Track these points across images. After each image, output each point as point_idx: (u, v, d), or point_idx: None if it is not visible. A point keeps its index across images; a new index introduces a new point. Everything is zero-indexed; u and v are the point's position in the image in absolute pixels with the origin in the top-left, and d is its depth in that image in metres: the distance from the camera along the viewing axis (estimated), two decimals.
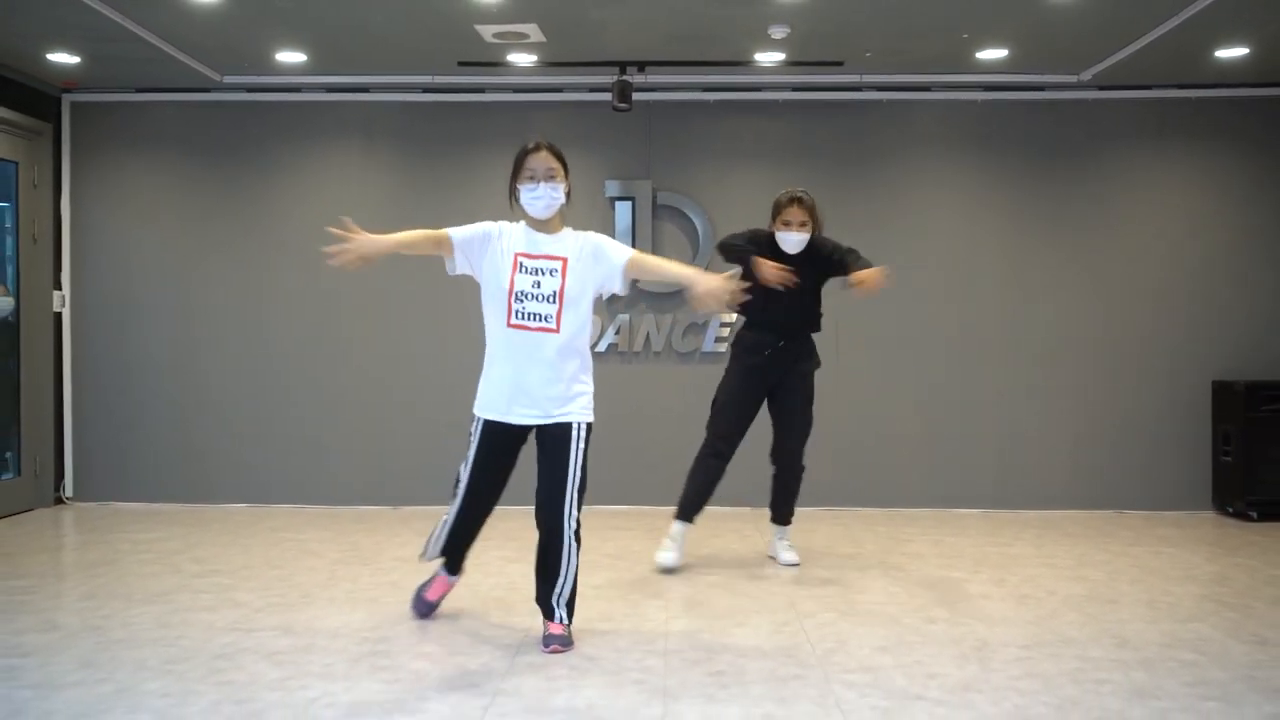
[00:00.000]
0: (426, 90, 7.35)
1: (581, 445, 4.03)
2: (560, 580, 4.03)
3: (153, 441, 7.47)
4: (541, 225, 4.07)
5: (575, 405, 4.03)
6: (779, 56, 6.68)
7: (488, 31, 6.16)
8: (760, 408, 5.50)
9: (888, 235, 7.33)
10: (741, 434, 5.43)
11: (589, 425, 4.06)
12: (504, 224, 4.10)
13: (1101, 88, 7.24)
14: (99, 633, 4.20)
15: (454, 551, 4.42)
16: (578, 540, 4.02)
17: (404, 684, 3.62)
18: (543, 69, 6.96)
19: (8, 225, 7.19)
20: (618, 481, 7.26)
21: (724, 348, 7.21)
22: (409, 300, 7.41)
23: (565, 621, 4.04)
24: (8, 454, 7.19)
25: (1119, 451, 7.29)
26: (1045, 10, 5.79)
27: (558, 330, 3.96)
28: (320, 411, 7.44)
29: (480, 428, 4.11)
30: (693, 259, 7.31)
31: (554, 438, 4.01)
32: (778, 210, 5.34)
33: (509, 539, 5.92)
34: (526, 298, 3.94)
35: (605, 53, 6.63)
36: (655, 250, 7.34)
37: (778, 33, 6.11)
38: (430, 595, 4.49)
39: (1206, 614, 4.56)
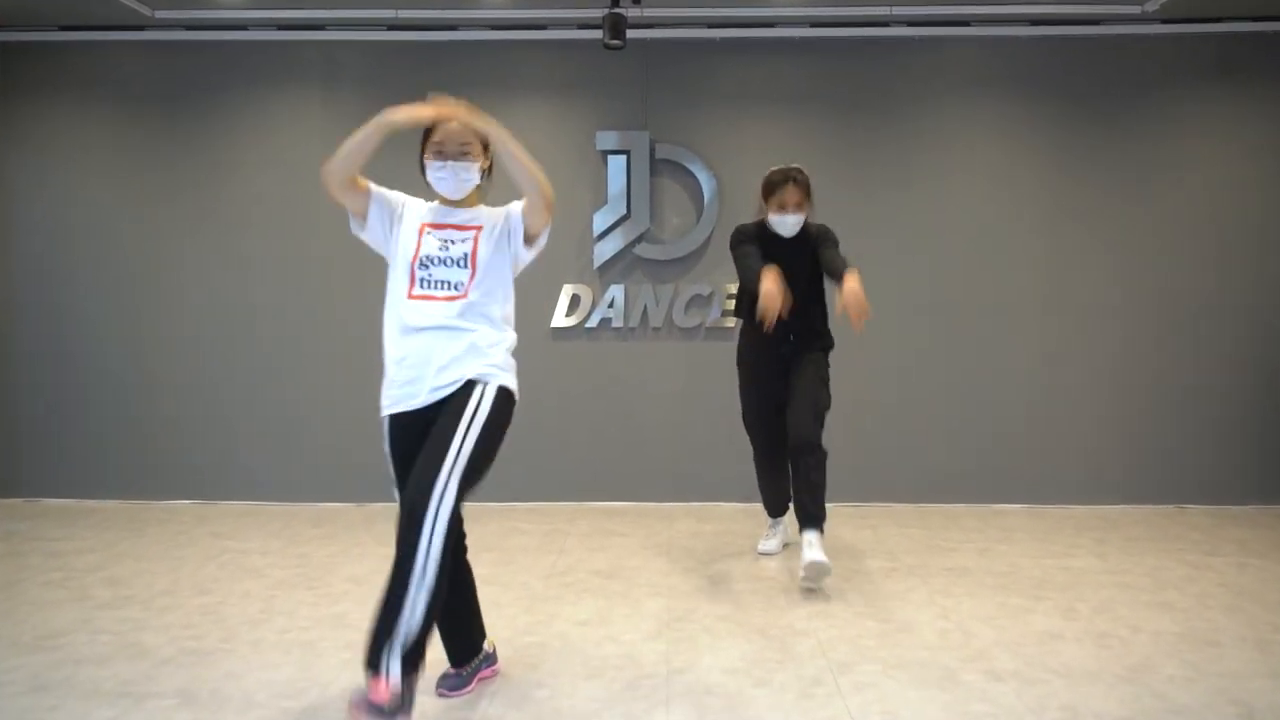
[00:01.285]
0: (391, 27, 6.41)
1: (484, 409, 3.08)
2: (404, 611, 2.81)
3: (88, 429, 6.59)
4: (453, 203, 3.35)
5: (481, 364, 3.16)
6: None
7: None
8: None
9: (918, 193, 6.42)
10: (783, 435, 4.81)
11: (502, 391, 3.16)
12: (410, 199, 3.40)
13: (1166, 20, 6.28)
14: None
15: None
16: (444, 542, 2.87)
17: None
18: (524, 1, 6.01)
19: None
20: (611, 476, 6.41)
21: (731, 323, 6.31)
22: (380, 267, 6.49)
23: (394, 676, 2.77)
24: None
25: (1180, 437, 6.40)
26: None
27: (467, 296, 3.17)
28: (278, 395, 6.55)
29: (387, 429, 3.26)
30: (696, 221, 6.41)
31: (451, 403, 3.11)
32: (770, 190, 4.76)
33: (485, 548, 5.06)
34: (433, 263, 3.20)
35: None
36: (653, 212, 6.43)
37: None
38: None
39: None
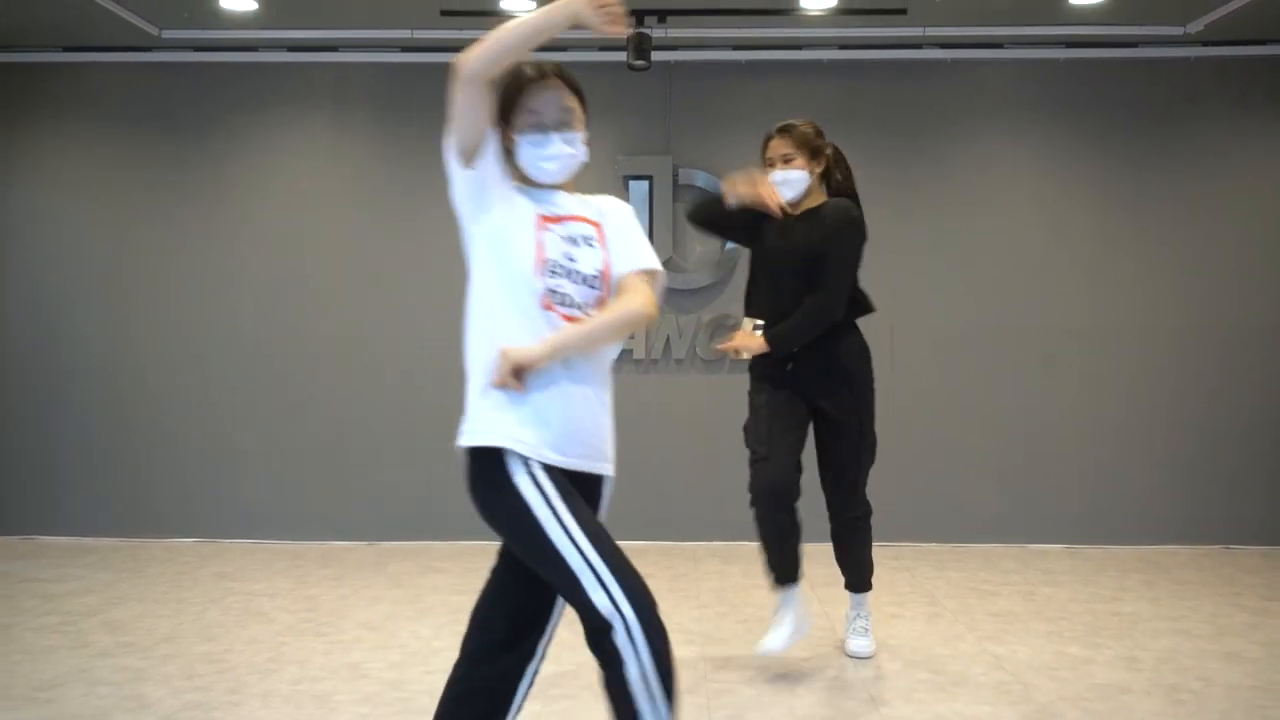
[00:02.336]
0: (405, 49, 6.21)
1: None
2: None
3: (87, 464, 6.33)
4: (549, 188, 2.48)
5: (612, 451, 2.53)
6: (828, 4, 5.54)
7: None
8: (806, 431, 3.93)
9: (952, 219, 6.21)
10: (790, 473, 3.79)
11: None
12: None
13: (1207, 43, 6.08)
14: None
15: None
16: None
17: None
18: None
19: None
20: (634, 514, 6.12)
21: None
22: (389, 296, 6.28)
23: None
24: None
25: (1228, 474, 6.14)
26: None
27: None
28: (284, 430, 6.29)
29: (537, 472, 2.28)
30: (721, 248, 6.18)
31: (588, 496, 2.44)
32: (761, 152, 3.93)
33: None
34: (560, 273, 2.36)
35: None
36: (676, 239, 6.21)
37: None
38: None
39: None
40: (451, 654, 2.43)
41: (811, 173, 3.87)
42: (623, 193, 6.17)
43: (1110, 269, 6.19)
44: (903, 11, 5.64)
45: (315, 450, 6.28)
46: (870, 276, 4.01)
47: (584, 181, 6.01)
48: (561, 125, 2.42)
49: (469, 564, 5.53)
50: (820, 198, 3.94)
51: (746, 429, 3.96)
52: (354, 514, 6.23)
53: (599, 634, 2.16)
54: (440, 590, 5.10)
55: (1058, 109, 6.22)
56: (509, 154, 2.43)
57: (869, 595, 4.15)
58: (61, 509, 6.34)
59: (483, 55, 2.25)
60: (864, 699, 3.60)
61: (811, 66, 6.25)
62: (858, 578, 4.09)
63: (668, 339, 6.21)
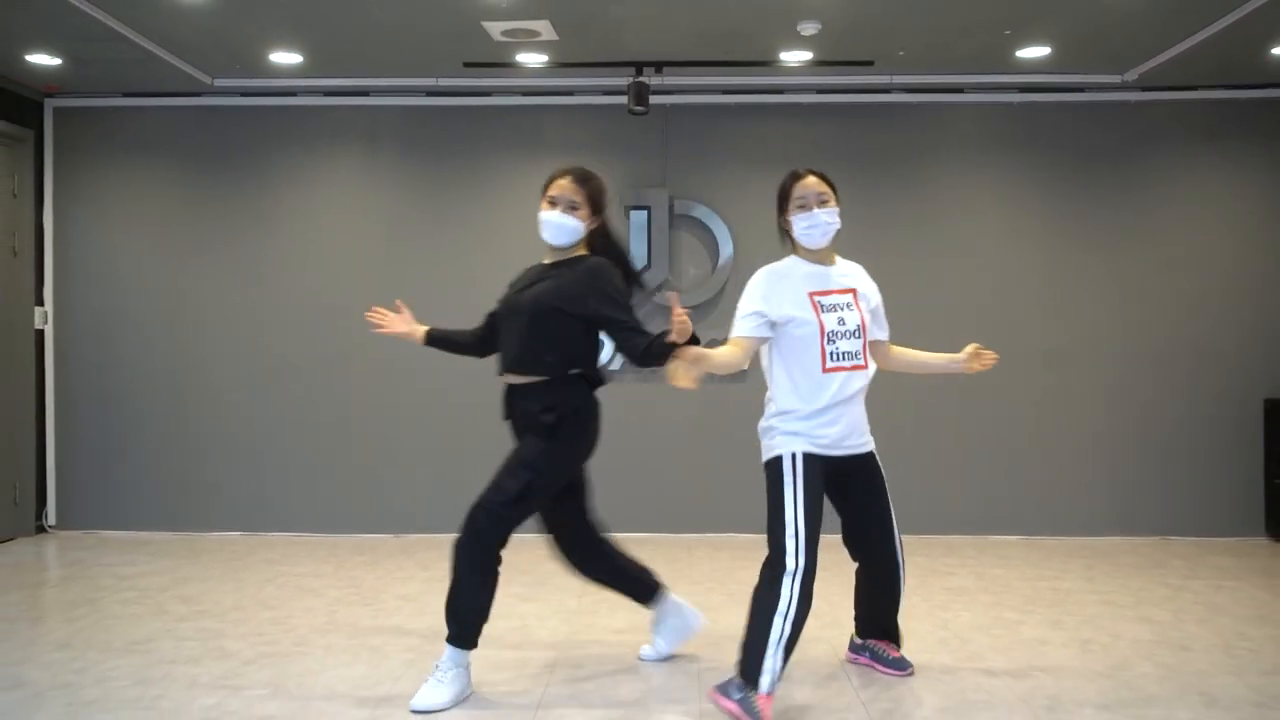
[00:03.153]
0: (430, 94, 6.95)
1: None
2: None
3: (141, 466, 7.05)
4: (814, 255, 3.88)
5: None
6: (806, 56, 6.28)
7: (496, 29, 5.75)
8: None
9: (919, 245, 6.93)
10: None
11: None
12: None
13: (1146, 88, 6.82)
14: (70, 691, 3.78)
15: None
16: None
17: None
18: (553, 70, 6.55)
19: None
20: (633, 509, 6.84)
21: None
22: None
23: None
24: None
25: (1166, 475, 6.86)
26: (1093, 6, 5.39)
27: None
28: (319, 434, 7.02)
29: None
30: (712, 271, 6.91)
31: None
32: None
33: (520, 572, 5.51)
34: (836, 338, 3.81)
35: (621, 52, 6.22)
36: (672, 263, 6.94)
37: (808, 29, 5.70)
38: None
39: None
40: None
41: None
42: (624, 222, 6.90)
43: (1059, 293, 6.90)
44: (870, 63, 6.39)
45: (349, 454, 6.99)
46: None
47: None
48: (820, 202, 3.85)
49: None
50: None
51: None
52: (384, 510, 6.94)
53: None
54: None
55: (1012, 147, 6.96)
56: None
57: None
58: (120, 507, 7.04)
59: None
60: (826, 648, 4.33)
61: (792, 109, 6.99)
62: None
63: None
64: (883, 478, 4.00)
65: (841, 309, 3.77)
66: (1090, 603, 5.12)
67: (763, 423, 3.81)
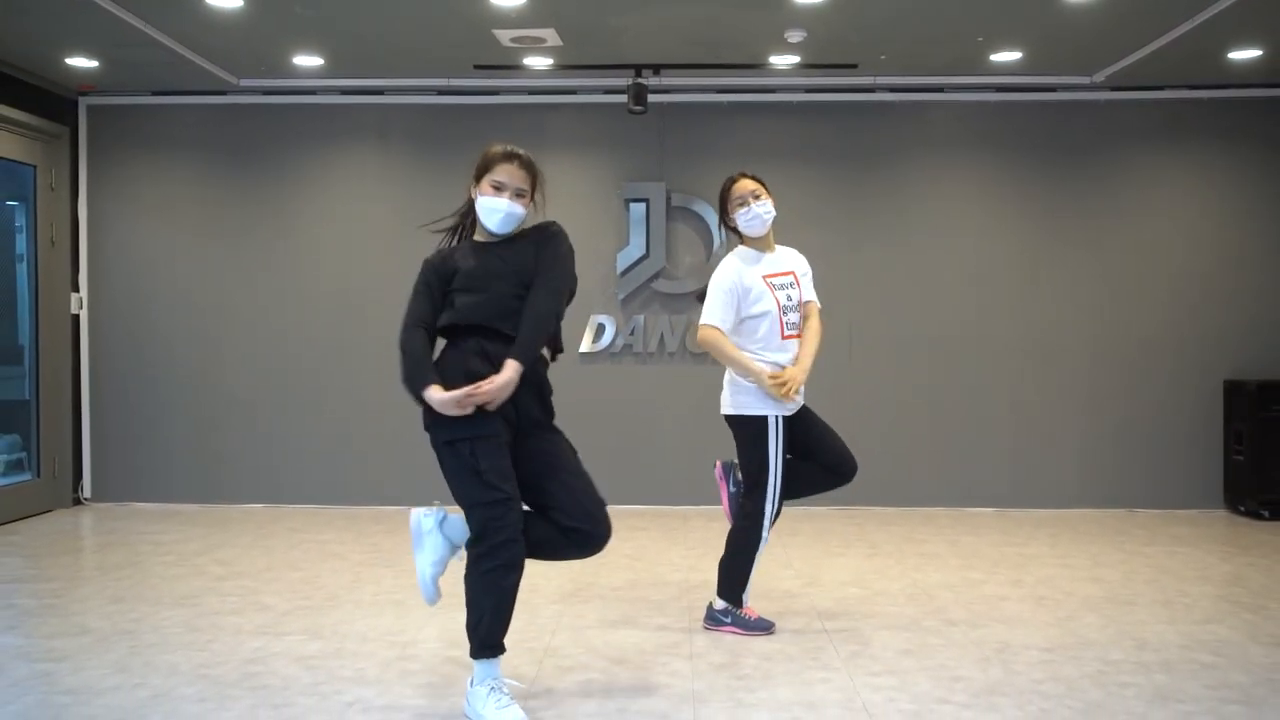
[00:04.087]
0: (441, 93, 7.38)
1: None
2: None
3: (170, 442, 7.52)
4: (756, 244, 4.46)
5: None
6: (794, 60, 6.71)
7: (505, 36, 6.19)
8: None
9: (899, 235, 7.37)
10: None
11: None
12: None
13: (1114, 89, 7.26)
14: (130, 636, 4.25)
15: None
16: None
17: (436, 688, 3.68)
18: (558, 72, 6.99)
19: (24, 227, 7.23)
20: (632, 482, 7.30)
21: None
22: None
23: None
24: (25, 454, 7.25)
25: (1131, 451, 7.33)
26: (1061, 12, 5.82)
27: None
28: (338, 411, 7.49)
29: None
30: (706, 259, 7.35)
31: None
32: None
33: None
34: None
35: (621, 56, 6.67)
36: (669, 251, 7.38)
37: (794, 37, 6.15)
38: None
39: (1224, 615, 4.60)
40: None
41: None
42: (624, 213, 7.35)
43: (1033, 283, 7.36)
44: (854, 66, 6.83)
45: (362, 430, 7.46)
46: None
47: (593, 204, 7.21)
48: (754, 197, 4.40)
49: None
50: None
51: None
52: (399, 482, 7.41)
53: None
54: None
55: (989, 144, 7.40)
56: None
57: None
58: (150, 480, 7.51)
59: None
60: (805, 603, 4.80)
61: (782, 108, 7.43)
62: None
63: (661, 336, 7.39)
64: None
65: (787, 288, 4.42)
66: (1050, 565, 5.60)
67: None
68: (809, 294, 4.50)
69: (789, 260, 4.51)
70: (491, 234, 3.60)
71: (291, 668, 3.88)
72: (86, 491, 7.54)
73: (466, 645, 3.41)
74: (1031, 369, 7.37)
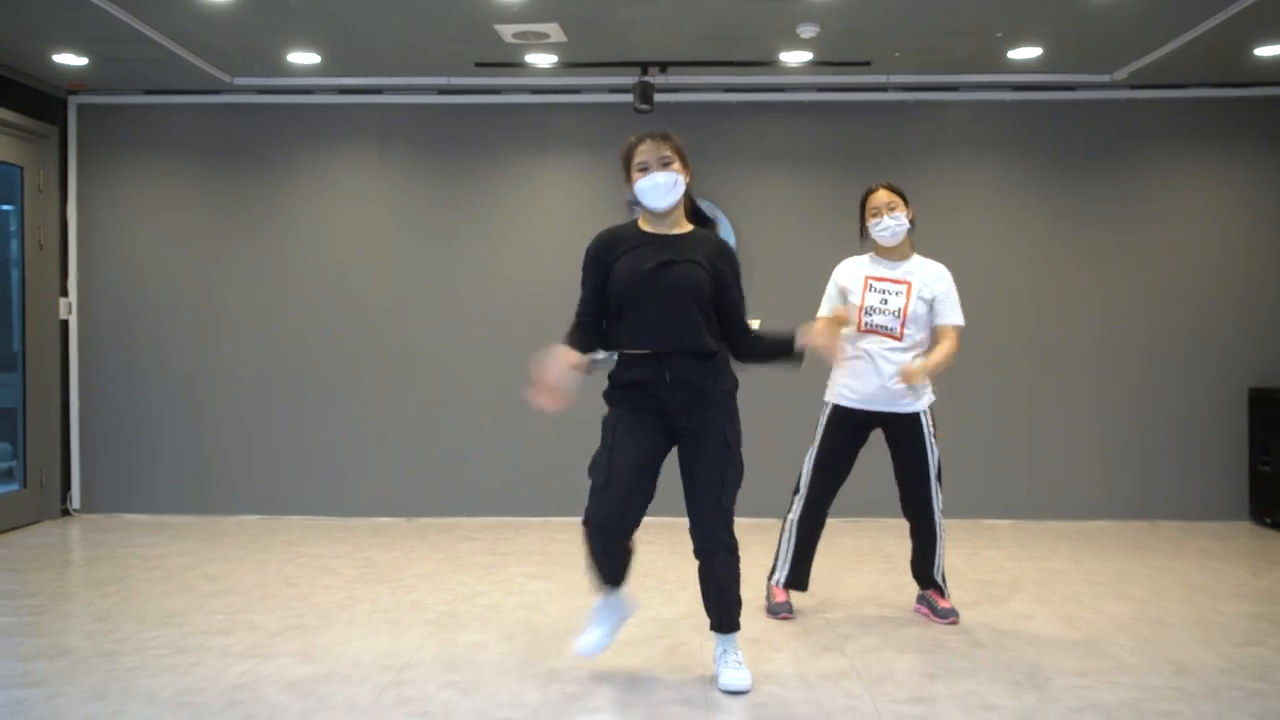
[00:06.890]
0: (442, 92, 7.17)
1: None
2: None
3: (162, 452, 7.30)
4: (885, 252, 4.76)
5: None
6: (806, 56, 6.50)
7: (507, 32, 5.98)
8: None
9: (915, 237, 7.13)
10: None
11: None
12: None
13: (1134, 87, 7.05)
14: (111, 659, 4.03)
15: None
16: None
17: (433, 717, 3.44)
18: (562, 70, 6.77)
19: (13, 230, 7.02)
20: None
21: None
22: (426, 307, 7.23)
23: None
24: (12, 464, 7.03)
25: (1153, 460, 7.10)
26: (1081, 9, 5.61)
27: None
28: (333, 421, 7.26)
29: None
30: None
31: None
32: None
33: (529, 553, 5.77)
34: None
35: (627, 53, 6.45)
36: None
37: (807, 32, 5.93)
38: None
39: (1263, 635, 4.38)
40: (491, 595, 3.38)
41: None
42: (629, 216, 7.11)
43: (1052, 285, 7.14)
44: (867, 63, 6.61)
45: (360, 439, 7.24)
46: None
47: (598, 205, 7.01)
48: (889, 210, 4.78)
49: (498, 535, 6.48)
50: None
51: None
52: (395, 493, 7.18)
53: None
54: (476, 553, 6.04)
55: (1006, 144, 7.18)
56: None
57: (733, 638, 3.86)
58: (141, 491, 7.29)
59: None
60: (820, 621, 4.57)
61: (793, 107, 7.22)
62: (721, 615, 3.88)
63: None
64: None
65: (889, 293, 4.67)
66: (1075, 581, 5.36)
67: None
68: (949, 317, 4.73)
69: (915, 272, 4.71)
70: (655, 212, 3.86)
71: (280, 694, 3.65)
72: (75, 502, 7.32)
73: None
74: (1050, 376, 7.14)
